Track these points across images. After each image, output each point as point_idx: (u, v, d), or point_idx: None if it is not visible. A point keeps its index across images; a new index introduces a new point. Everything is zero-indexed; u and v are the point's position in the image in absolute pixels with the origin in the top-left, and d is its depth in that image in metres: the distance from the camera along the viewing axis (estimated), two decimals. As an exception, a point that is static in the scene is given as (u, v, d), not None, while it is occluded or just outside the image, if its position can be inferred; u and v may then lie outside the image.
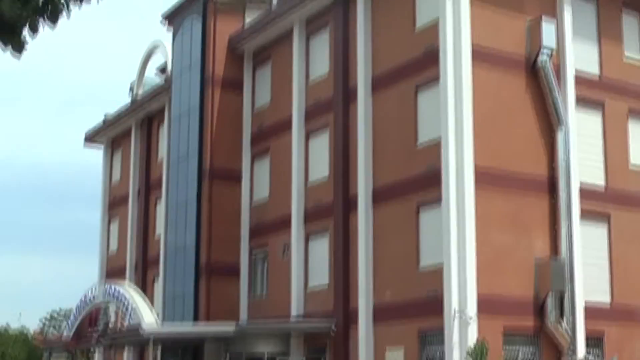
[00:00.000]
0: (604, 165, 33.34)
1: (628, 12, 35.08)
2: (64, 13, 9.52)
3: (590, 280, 31.64)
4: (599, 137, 33.42)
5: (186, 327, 37.93)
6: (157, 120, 47.17)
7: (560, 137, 31.48)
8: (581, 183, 31.93)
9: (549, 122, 31.75)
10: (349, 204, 34.29)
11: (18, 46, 9.52)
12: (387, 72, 33.37)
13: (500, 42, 31.30)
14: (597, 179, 33.02)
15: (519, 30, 31.76)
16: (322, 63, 37.09)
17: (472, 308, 28.83)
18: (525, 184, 30.99)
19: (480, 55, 30.65)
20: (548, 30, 31.56)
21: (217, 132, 40.06)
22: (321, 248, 35.73)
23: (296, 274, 36.38)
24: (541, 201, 31.31)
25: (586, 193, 32.06)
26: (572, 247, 30.91)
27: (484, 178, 29.98)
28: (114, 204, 50.98)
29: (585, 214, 31.89)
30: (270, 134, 39.41)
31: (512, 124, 31.16)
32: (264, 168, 39.81)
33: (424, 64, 31.65)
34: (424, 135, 31.59)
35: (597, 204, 32.57)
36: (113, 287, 38.51)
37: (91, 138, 52.83)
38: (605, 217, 32.89)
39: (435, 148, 30.50)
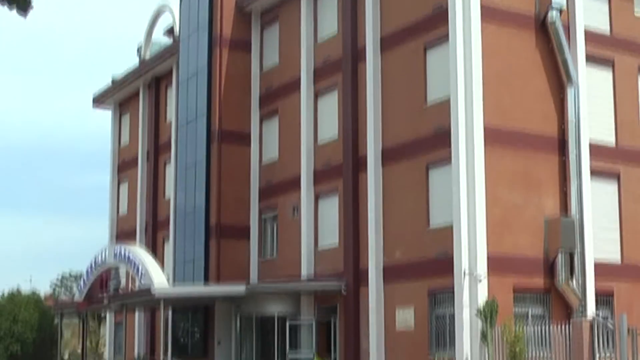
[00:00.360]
0: (614, 122, 33.21)
1: (638, -33, 34.76)
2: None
3: (600, 238, 31.63)
4: (609, 94, 33.26)
5: (197, 289, 38.06)
6: (165, 81, 47.05)
7: (570, 94, 31.31)
8: (591, 141, 31.79)
9: (558, 79, 31.57)
10: (359, 164, 34.24)
11: (23, 5, 9.45)
12: (396, 31, 33.17)
13: (510, 0, 31.05)
14: (607, 136, 32.91)
15: (529, -12, 31.51)
16: (330, 22, 36.87)
17: (482, 267, 28.84)
18: (535, 142, 30.88)
19: (489, 13, 30.42)
20: (558, -13, 31.32)
21: (225, 93, 39.95)
22: (331, 208, 35.73)
23: (306, 235, 36.42)
24: (551, 159, 31.22)
25: (596, 151, 31.95)
26: (582, 205, 30.86)
27: (493, 137, 29.88)
28: (123, 166, 50.99)
29: (595, 172, 31.80)
30: (279, 95, 39.29)
31: (522, 82, 31.00)
32: (272, 129, 39.73)
33: (433, 23, 31.44)
34: (433, 95, 31.46)
35: (607, 161, 32.47)
36: (123, 249, 38.59)
37: (99, 100, 52.72)
38: (615, 175, 32.81)
39: (445, 107, 30.38)
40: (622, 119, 33.29)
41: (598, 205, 31.73)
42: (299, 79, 37.65)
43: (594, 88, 32.47)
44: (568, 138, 31.25)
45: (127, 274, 40.26)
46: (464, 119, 29.67)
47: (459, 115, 29.64)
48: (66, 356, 55.00)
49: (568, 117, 31.29)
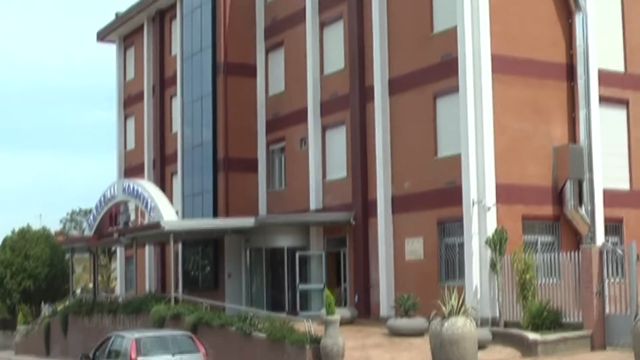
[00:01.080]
0: (622, 49, 32.87)
1: None
2: None
3: (608, 166, 31.47)
4: (618, 21, 32.86)
5: (206, 222, 38.12)
6: (169, 15, 46.60)
7: (578, 21, 30.97)
8: (600, 67, 31.50)
9: (567, 6, 31.21)
10: (365, 95, 34.05)
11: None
12: (401, -41, 32.76)
13: None
14: (616, 63, 32.58)
15: None
16: (334, -48, 36.41)
17: (490, 196, 28.83)
18: (543, 70, 30.62)
19: (496, -61, 29.98)
20: None
21: (230, 25, 39.63)
22: (338, 140, 35.62)
23: (314, 167, 36.36)
24: (559, 87, 31.00)
25: (605, 77, 31.66)
26: (590, 133, 30.71)
27: (501, 65, 29.63)
28: (129, 101, 50.74)
29: (604, 99, 31.56)
30: (284, 26, 38.95)
31: (529, 9, 30.64)
32: (278, 61, 39.47)
33: (439, -50, 31.05)
34: (440, 23, 31.16)
35: (615, 88, 32.20)
36: (132, 184, 38.59)
37: (103, 36, 52.32)
38: (624, 102, 32.57)
39: (452, 35, 30.11)
40: (631, 46, 32.94)
41: (607, 133, 31.53)
42: (304, 9, 37.28)
43: (602, 14, 32.07)
44: (576, 65, 30.99)
45: (137, 208, 40.25)
46: (471, 47, 29.42)
47: (466, 44, 29.39)
48: (78, 291, 55.44)
49: (576, 43, 31.01)
